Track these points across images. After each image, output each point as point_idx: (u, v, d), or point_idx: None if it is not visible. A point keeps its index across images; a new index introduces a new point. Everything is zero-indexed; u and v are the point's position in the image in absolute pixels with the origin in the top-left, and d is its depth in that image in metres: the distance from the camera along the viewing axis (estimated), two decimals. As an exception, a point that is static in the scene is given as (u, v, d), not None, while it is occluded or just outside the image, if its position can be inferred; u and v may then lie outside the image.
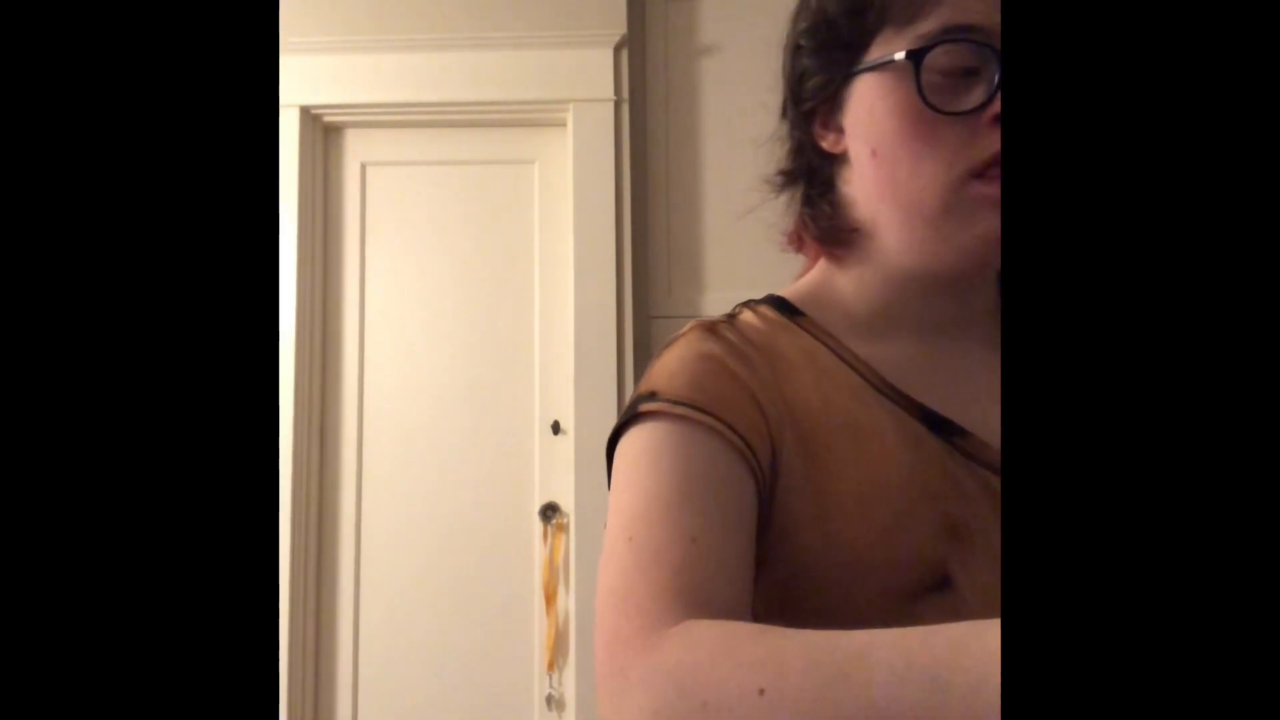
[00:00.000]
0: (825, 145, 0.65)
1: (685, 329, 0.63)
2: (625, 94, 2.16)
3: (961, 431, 0.59)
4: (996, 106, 0.55)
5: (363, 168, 2.27)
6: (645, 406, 0.57)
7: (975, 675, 0.37)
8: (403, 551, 2.18)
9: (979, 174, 0.56)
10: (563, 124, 2.22)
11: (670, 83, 2.21)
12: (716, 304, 2.09)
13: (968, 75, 0.56)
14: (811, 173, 0.67)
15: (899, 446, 0.58)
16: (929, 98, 0.56)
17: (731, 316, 0.66)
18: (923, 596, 0.54)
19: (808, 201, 0.67)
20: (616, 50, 2.16)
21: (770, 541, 0.56)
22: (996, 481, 0.58)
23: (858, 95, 0.61)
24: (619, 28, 2.16)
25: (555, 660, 2.11)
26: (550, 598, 2.11)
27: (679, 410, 0.56)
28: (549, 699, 2.10)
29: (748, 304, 0.67)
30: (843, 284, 0.66)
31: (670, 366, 0.60)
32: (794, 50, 0.66)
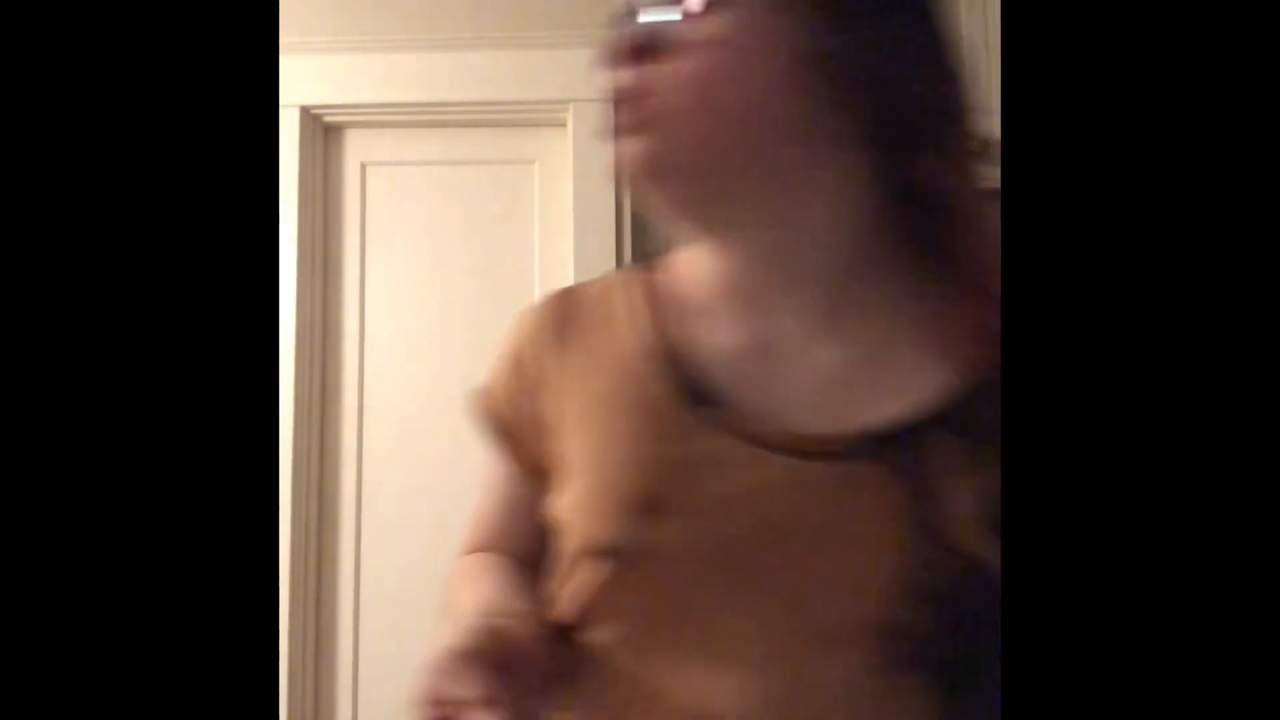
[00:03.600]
0: None
1: (555, 290, 0.76)
2: (625, 94, 2.16)
3: (721, 403, 0.60)
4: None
5: (363, 168, 2.27)
6: (477, 404, 0.78)
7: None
8: (403, 551, 2.17)
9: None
10: (563, 124, 2.21)
11: (670, 83, 2.21)
12: (716, 304, 2.08)
13: None
14: None
15: (628, 419, 0.61)
16: None
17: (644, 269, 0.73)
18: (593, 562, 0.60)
19: None
20: (616, 50, 2.16)
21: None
22: (751, 451, 0.57)
23: None
24: (619, 28, 2.15)
25: (555, 660, 2.11)
26: (550, 598, 2.11)
27: (488, 432, 0.76)
28: (549, 699, 2.10)
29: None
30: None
31: (498, 362, 0.78)
32: None
